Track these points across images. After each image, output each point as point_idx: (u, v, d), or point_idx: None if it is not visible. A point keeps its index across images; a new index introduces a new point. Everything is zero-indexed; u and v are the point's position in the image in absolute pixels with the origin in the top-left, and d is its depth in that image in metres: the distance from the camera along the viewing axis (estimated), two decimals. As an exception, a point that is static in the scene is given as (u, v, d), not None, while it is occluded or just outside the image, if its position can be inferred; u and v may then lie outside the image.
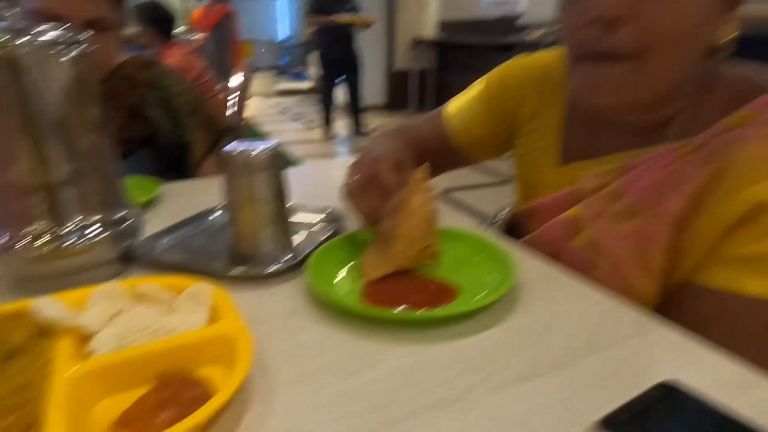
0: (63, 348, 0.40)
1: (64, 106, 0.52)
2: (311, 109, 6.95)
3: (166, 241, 0.66)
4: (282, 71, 9.94)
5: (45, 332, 0.42)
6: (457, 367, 0.42)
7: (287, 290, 0.55)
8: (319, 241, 0.62)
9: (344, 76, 4.71)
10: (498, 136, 0.79)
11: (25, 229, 0.53)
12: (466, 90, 0.83)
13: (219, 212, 0.74)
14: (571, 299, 0.52)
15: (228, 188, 0.59)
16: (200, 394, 0.37)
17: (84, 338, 0.42)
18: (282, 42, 10.79)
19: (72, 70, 0.52)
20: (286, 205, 0.61)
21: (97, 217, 0.56)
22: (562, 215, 0.66)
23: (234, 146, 0.58)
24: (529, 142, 0.75)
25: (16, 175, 0.51)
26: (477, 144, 0.81)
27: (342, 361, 0.44)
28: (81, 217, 0.55)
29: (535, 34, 4.15)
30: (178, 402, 0.36)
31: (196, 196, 0.85)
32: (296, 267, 0.58)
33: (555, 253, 0.64)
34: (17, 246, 0.53)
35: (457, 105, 0.82)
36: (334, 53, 4.58)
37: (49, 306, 0.42)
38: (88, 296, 0.47)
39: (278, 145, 0.59)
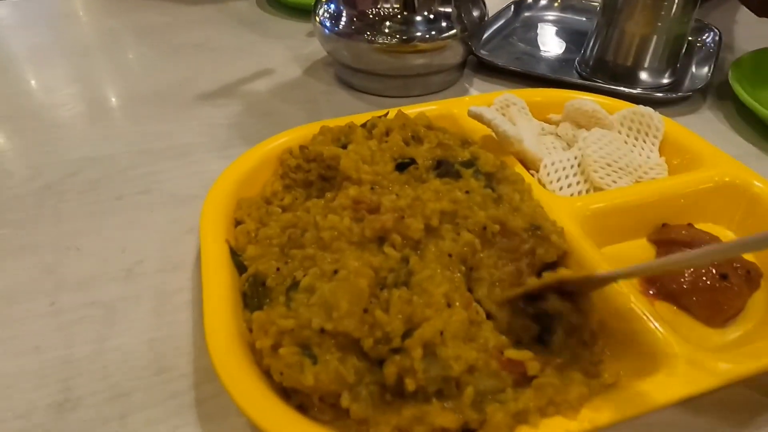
0: (523, 174, 0.30)
1: None
2: None
3: (490, 38, 0.53)
4: None
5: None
6: None
7: (696, 119, 0.42)
8: (710, 63, 0.47)
9: None
10: None
11: (376, 9, 0.41)
12: None
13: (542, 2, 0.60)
14: None
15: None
16: (754, 268, 0.27)
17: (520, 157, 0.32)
18: None
19: None
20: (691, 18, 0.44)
21: (449, 9, 0.42)
22: None
23: None
24: None
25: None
26: None
27: None
28: (434, 6, 0.42)
29: None
30: (738, 279, 0.26)
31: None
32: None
33: None
34: (365, 29, 0.41)
35: None
36: None
37: (500, 119, 0.31)
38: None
39: None
